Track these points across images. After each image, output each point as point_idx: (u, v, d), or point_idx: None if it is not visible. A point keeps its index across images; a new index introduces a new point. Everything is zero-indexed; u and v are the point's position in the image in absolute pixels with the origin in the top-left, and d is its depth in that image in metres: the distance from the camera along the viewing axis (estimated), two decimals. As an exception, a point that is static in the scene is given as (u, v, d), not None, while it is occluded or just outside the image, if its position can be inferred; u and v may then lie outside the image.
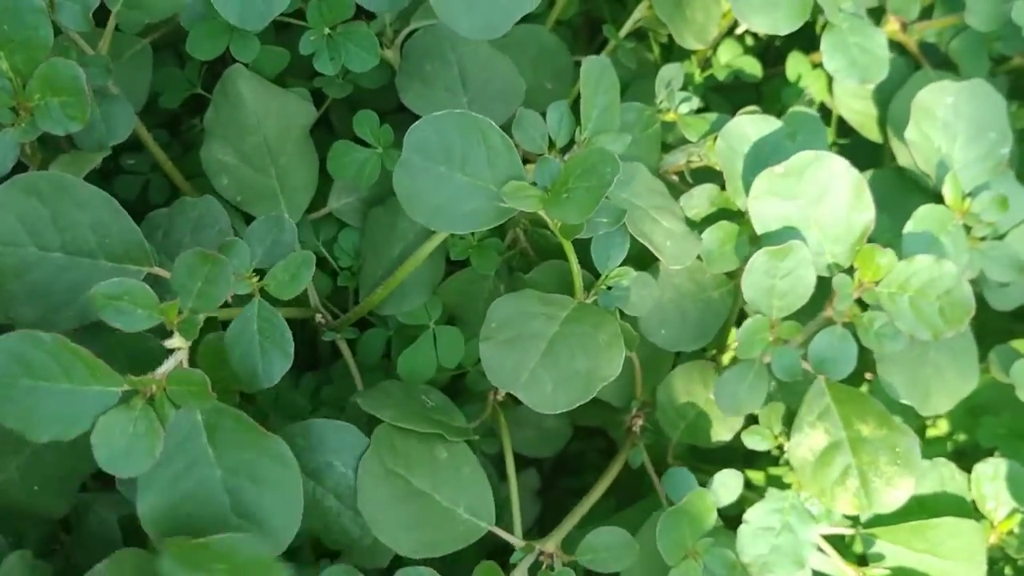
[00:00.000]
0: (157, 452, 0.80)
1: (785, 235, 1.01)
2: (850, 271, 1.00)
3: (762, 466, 1.27)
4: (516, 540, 1.01)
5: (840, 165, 1.01)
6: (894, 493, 0.99)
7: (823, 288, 1.00)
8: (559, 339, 0.94)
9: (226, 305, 0.89)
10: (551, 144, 1.00)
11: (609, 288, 1.00)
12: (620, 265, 1.00)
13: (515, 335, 0.94)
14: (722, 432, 1.13)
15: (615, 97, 1.02)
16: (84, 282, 0.89)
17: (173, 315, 0.84)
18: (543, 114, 1.00)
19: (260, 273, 0.94)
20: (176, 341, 0.84)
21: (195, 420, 0.84)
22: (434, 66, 1.10)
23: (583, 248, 1.00)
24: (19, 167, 0.93)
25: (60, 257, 0.90)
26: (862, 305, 1.00)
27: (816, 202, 1.01)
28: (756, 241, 1.04)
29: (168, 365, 0.84)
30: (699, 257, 1.06)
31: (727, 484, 1.06)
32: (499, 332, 0.94)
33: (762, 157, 1.05)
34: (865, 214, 1.01)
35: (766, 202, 1.02)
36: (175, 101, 1.20)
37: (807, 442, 1.01)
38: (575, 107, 1.01)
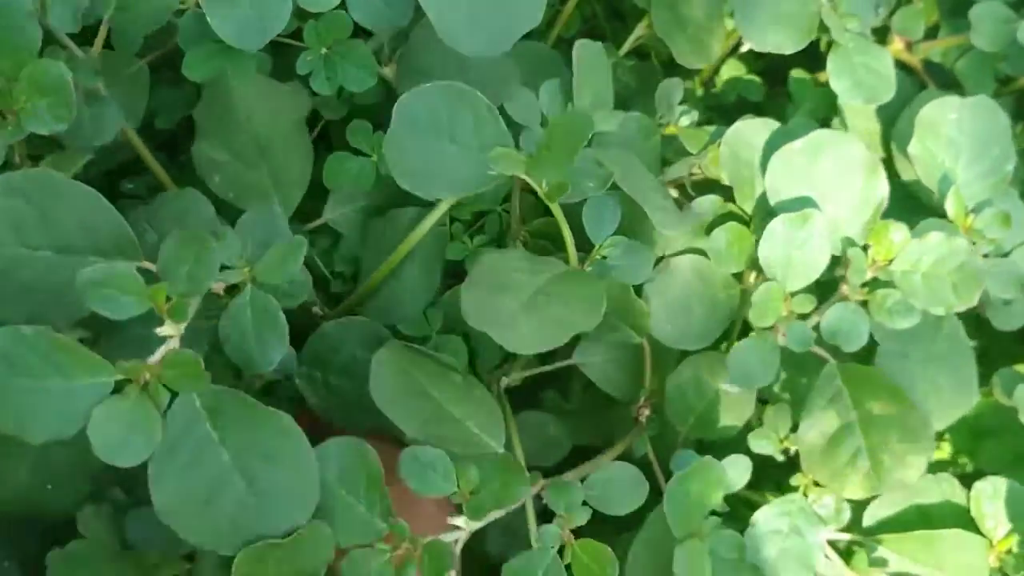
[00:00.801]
0: (156, 438, 0.79)
1: (801, 205, 1.01)
2: (864, 250, 1.00)
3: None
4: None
5: (857, 146, 1.02)
6: (905, 471, 1.00)
7: (835, 271, 1.01)
8: (541, 291, 0.93)
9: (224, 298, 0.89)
10: (544, 121, 1.01)
11: (604, 258, 0.99)
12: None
13: (498, 284, 0.94)
14: (731, 419, 1.09)
15: (608, 81, 1.04)
16: (73, 280, 0.86)
17: (162, 300, 0.82)
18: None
19: (252, 264, 0.92)
20: (167, 328, 0.83)
21: (195, 406, 0.83)
22: (432, 58, 1.10)
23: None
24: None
25: (48, 256, 0.88)
26: (875, 285, 1.00)
27: (831, 180, 1.02)
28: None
29: (160, 352, 0.82)
30: (707, 256, 1.05)
31: (736, 466, 1.03)
32: (482, 281, 0.94)
33: (766, 164, 1.05)
34: (879, 191, 1.02)
35: (782, 178, 1.02)
36: (170, 122, 1.19)
37: (817, 426, 1.00)
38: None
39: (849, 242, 1.01)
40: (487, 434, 0.96)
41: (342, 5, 1.04)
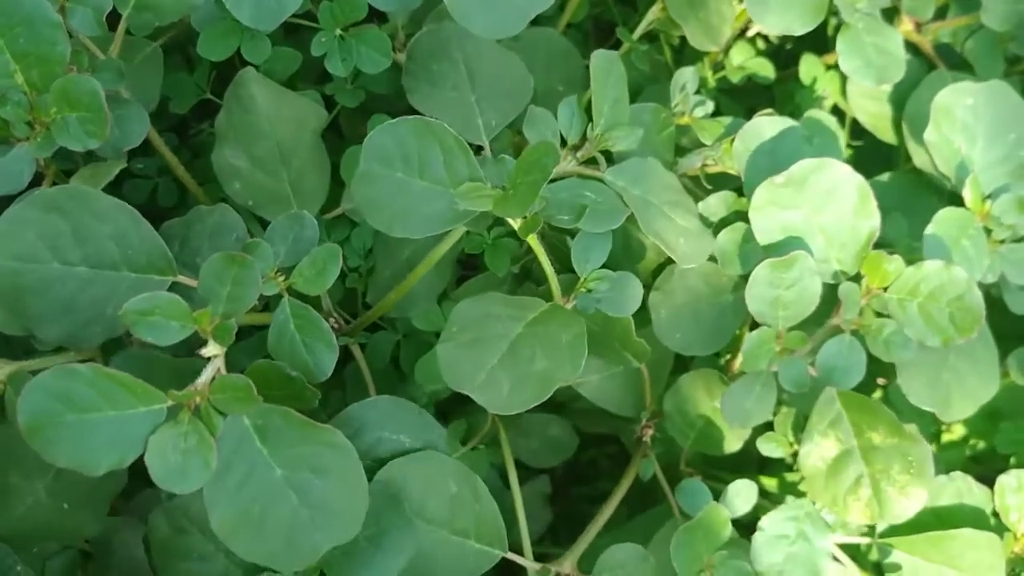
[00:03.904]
0: (212, 463, 0.80)
1: (789, 245, 0.99)
2: (857, 278, 0.98)
3: (777, 471, 1.25)
4: (531, 564, 1.00)
5: (843, 171, 0.99)
6: (907, 503, 0.99)
7: (831, 295, 0.98)
8: (521, 341, 0.93)
9: (253, 309, 0.89)
10: (563, 142, 0.99)
11: (589, 291, 0.97)
12: (604, 266, 0.98)
13: (476, 337, 0.93)
14: (732, 441, 1.11)
15: (624, 90, 1.02)
16: (109, 295, 0.88)
17: (206, 323, 0.83)
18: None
19: (285, 272, 0.93)
20: (212, 348, 0.83)
21: (244, 425, 0.83)
22: (440, 66, 1.08)
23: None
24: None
25: (83, 271, 0.88)
26: (871, 312, 0.98)
27: (820, 210, 0.99)
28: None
29: (208, 374, 0.83)
30: (714, 260, 1.04)
31: (742, 494, 1.04)
32: (460, 334, 0.93)
33: (779, 161, 1.04)
34: (871, 220, 0.99)
35: (768, 213, 1.00)
36: (185, 106, 1.18)
37: (818, 451, 1.00)
38: (587, 108, 1.00)
39: (842, 275, 0.99)
40: (490, 544, 0.98)
41: (356, -14, 1.04)
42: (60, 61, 0.89)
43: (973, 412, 1.08)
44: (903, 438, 0.99)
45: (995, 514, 1.08)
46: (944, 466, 1.21)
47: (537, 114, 1.00)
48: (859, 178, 0.99)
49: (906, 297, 0.96)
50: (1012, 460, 1.23)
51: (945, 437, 1.29)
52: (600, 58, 1.00)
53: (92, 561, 1.00)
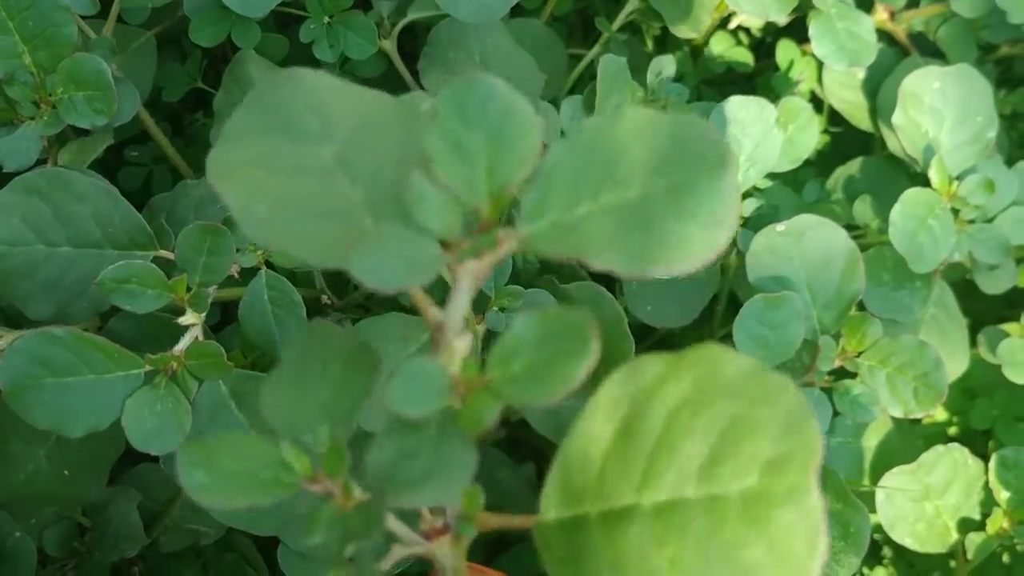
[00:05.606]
0: (187, 426, 0.82)
1: (778, 285, 1.00)
2: (835, 339, 1.00)
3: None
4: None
5: (839, 235, 1.00)
6: (836, 570, 0.99)
7: (802, 358, 1.00)
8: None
9: (236, 284, 0.91)
10: (562, 135, 1.01)
11: (502, 309, 0.95)
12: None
13: None
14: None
15: (626, 98, 1.05)
16: (93, 272, 0.89)
17: (182, 291, 0.85)
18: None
19: (265, 246, 0.95)
20: (189, 317, 0.86)
21: (221, 391, 0.86)
22: (457, 55, 1.11)
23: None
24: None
25: (68, 251, 0.91)
26: (841, 374, 1.00)
27: (810, 265, 1.01)
28: (746, 222, 1.06)
29: (184, 342, 0.85)
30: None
31: None
32: None
33: (752, 140, 1.07)
34: (856, 284, 1.00)
35: (763, 258, 1.01)
36: (177, 94, 1.22)
37: None
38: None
39: (822, 330, 1.00)
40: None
41: (342, -25, 1.07)
42: (67, 43, 0.92)
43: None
44: (848, 505, 0.99)
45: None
46: (924, 442, 1.23)
47: (542, 109, 1.02)
48: (852, 244, 1.01)
49: (876, 365, 0.98)
50: (991, 442, 1.25)
51: (927, 419, 1.30)
52: (608, 62, 1.03)
53: (88, 531, 1.03)
